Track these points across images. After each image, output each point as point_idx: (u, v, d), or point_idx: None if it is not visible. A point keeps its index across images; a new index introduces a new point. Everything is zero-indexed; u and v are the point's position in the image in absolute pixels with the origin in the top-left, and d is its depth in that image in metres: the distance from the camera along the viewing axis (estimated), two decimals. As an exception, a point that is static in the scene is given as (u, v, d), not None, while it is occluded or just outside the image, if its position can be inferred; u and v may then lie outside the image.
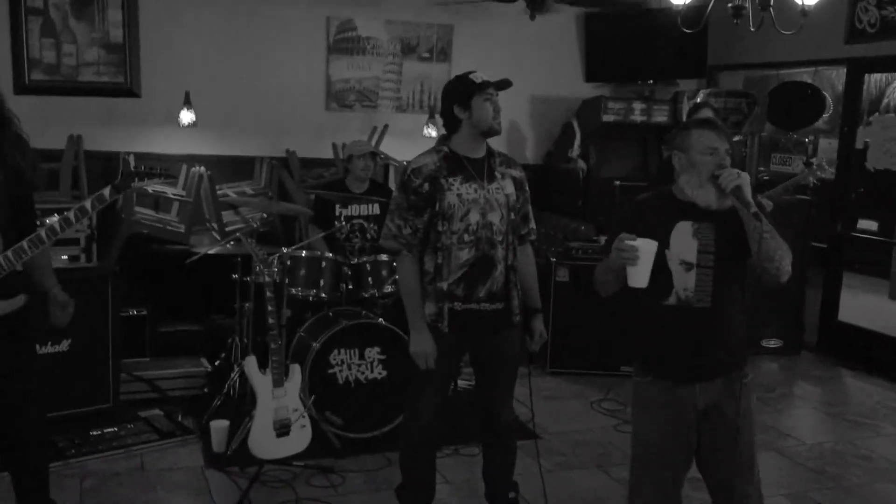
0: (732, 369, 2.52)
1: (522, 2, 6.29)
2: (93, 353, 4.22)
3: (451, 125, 3.02)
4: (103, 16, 5.46)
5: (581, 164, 6.49)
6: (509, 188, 3.06)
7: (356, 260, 4.34)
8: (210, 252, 4.43)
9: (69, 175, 5.24)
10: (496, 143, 3.14)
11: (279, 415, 3.55)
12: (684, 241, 2.46)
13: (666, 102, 6.53)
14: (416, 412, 3.13)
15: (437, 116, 3.97)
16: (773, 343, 6.01)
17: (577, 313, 5.13)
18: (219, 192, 5.64)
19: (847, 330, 6.00)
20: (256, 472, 3.63)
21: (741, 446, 2.51)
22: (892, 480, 4.00)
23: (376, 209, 4.71)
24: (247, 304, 4.40)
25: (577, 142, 6.50)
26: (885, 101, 7.07)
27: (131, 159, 5.44)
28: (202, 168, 5.60)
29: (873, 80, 6.76)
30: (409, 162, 3.09)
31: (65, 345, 4.12)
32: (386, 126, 6.10)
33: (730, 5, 4.30)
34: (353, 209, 4.72)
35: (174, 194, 5.51)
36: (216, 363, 4.71)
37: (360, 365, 4.11)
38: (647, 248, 2.33)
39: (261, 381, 3.56)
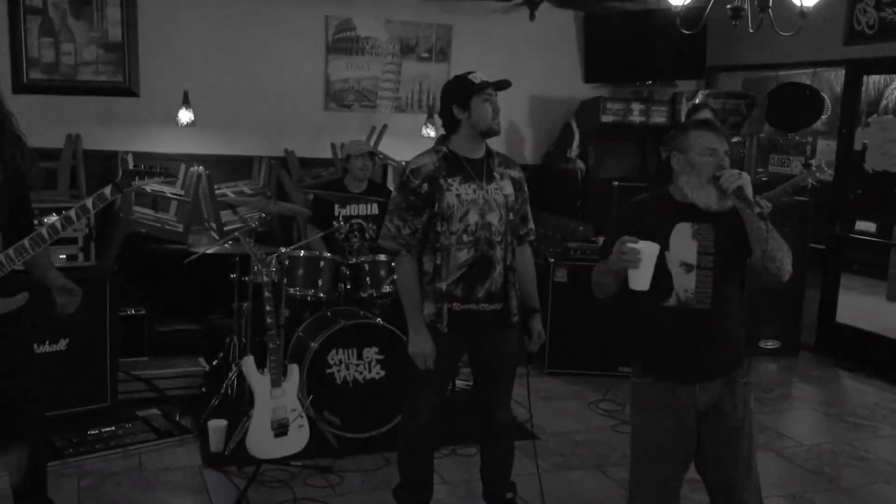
0: (732, 369, 2.52)
1: (522, 3, 6.29)
2: (91, 353, 4.22)
3: (450, 125, 3.02)
4: (102, 15, 5.45)
5: (580, 164, 6.50)
6: (508, 189, 3.06)
7: (354, 260, 4.34)
8: (208, 252, 4.43)
9: (67, 174, 5.24)
10: (495, 143, 3.14)
11: (277, 414, 3.55)
12: (684, 242, 2.46)
13: (665, 103, 6.54)
14: (414, 412, 3.13)
15: (436, 116, 3.97)
16: (770, 344, 6.02)
17: (576, 314, 5.13)
18: (217, 192, 5.64)
19: (845, 331, 6.01)
20: (254, 471, 3.63)
21: (741, 447, 2.51)
22: (890, 481, 4.01)
23: (375, 209, 4.71)
24: (245, 304, 4.40)
25: (576, 142, 6.50)
26: (884, 102, 7.07)
27: (130, 158, 5.44)
28: (201, 167, 5.60)
29: (872, 81, 6.76)
30: (407, 162, 3.09)
31: (63, 344, 4.12)
32: (385, 126, 6.11)
33: (728, 7, 4.31)
34: (352, 209, 4.72)
35: (173, 194, 5.51)
36: (214, 363, 4.71)
37: (358, 365, 4.11)
38: (649, 250, 2.33)
39: (259, 381, 3.56)
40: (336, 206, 4.69)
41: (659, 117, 6.46)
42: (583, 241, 5.56)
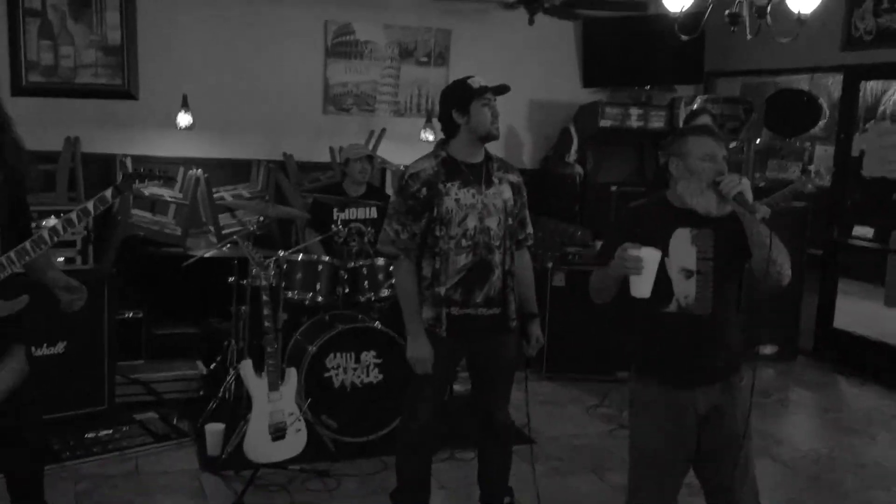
0: (731, 373, 2.53)
1: (521, 6, 6.30)
2: (88, 356, 4.21)
3: (449, 130, 3.02)
4: (101, 18, 5.46)
5: (578, 168, 6.51)
6: (507, 193, 3.06)
7: (353, 263, 4.34)
8: (206, 255, 4.43)
9: (66, 177, 5.23)
10: (494, 147, 3.14)
11: (275, 418, 3.55)
12: (683, 248, 2.46)
13: (663, 108, 6.55)
14: (413, 414, 3.13)
15: (435, 121, 3.97)
16: (768, 349, 6.02)
17: (574, 318, 5.12)
18: (216, 195, 5.64)
19: (843, 336, 6.01)
20: (252, 475, 3.62)
21: (740, 451, 2.51)
22: (887, 487, 4.01)
23: (374, 213, 4.71)
24: (243, 308, 4.40)
25: (575, 147, 6.51)
26: (881, 108, 7.08)
27: (128, 162, 5.44)
28: (199, 171, 5.60)
29: (869, 87, 6.76)
30: (406, 166, 3.09)
31: (60, 347, 4.11)
32: (383, 130, 6.11)
33: (727, 12, 4.31)
34: (351, 213, 4.72)
35: (171, 197, 5.51)
36: (212, 366, 4.70)
37: (356, 369, 4.11)
38: (651, 257, 2.33)
39: (256, 385, 3.56)
40: (335, 210, 4.69)
41: (657, 122, 6.48)
42: (581, 245, 5.57)
